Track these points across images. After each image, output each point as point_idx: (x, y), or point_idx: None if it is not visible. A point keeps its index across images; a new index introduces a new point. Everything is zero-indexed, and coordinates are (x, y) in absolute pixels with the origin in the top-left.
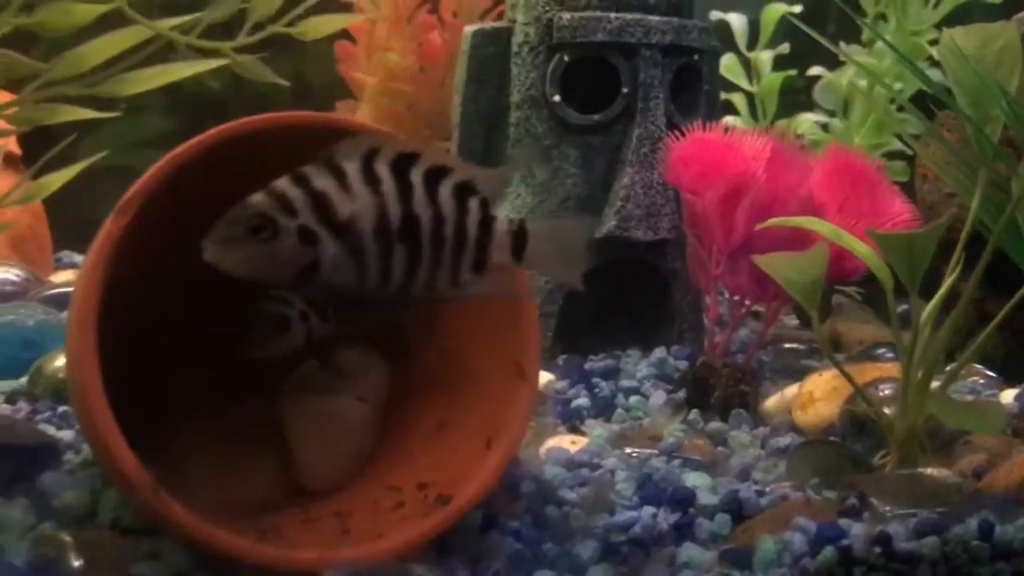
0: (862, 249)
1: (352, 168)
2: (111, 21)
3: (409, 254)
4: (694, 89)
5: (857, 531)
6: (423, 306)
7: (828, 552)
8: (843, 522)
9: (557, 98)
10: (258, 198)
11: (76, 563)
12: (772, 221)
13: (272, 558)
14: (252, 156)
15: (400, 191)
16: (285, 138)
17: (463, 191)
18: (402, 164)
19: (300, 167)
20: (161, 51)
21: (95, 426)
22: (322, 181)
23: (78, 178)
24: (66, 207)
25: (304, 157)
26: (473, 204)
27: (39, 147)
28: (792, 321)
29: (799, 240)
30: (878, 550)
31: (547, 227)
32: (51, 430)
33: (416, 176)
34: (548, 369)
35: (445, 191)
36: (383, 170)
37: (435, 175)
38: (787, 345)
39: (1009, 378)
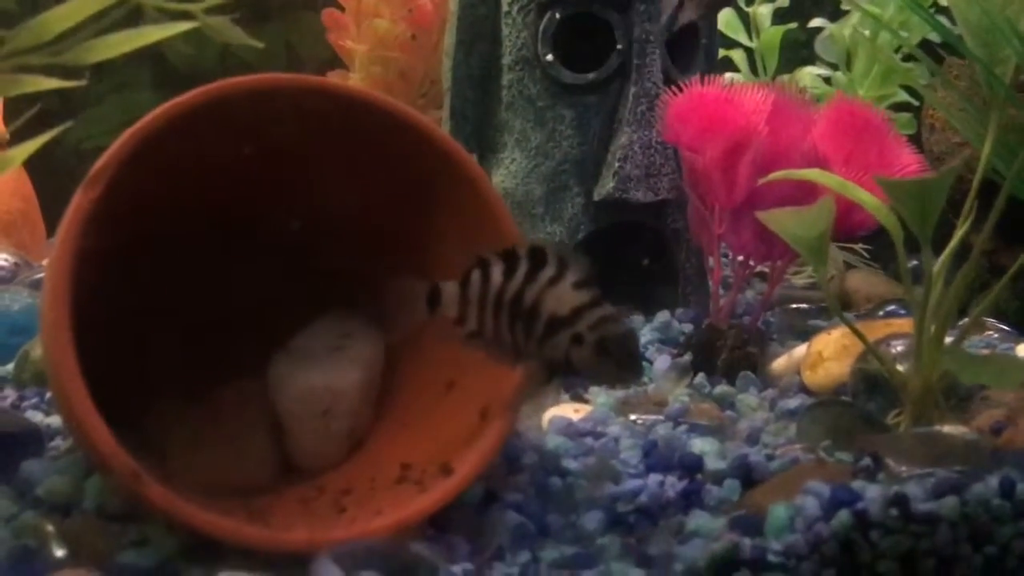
0: (870, 201)
1: None
2: None
3: None
4: (691, 44)
5: (872, 493)
6: None
7: (843, 516)
8: (857, 484)
9: (550, 57)
10: None
11: (59, 552)
12: (776, 175)
13: (260, 540)
14: (223, 121)
15: None
16: (255, 101)
17: None
18: None
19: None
20: (128, 17)
21: (71, 407)
22: None
23: (71, 160)
24: (59, 191)
25: (274, 119)
26: None
27: (28, 129)
28: (799, 280)
29: (804, 195)
30: (895, 512)
31: None
32: (38, 416)
33: None
34: None
35: None
36: None
37: None
38: (794, 305)
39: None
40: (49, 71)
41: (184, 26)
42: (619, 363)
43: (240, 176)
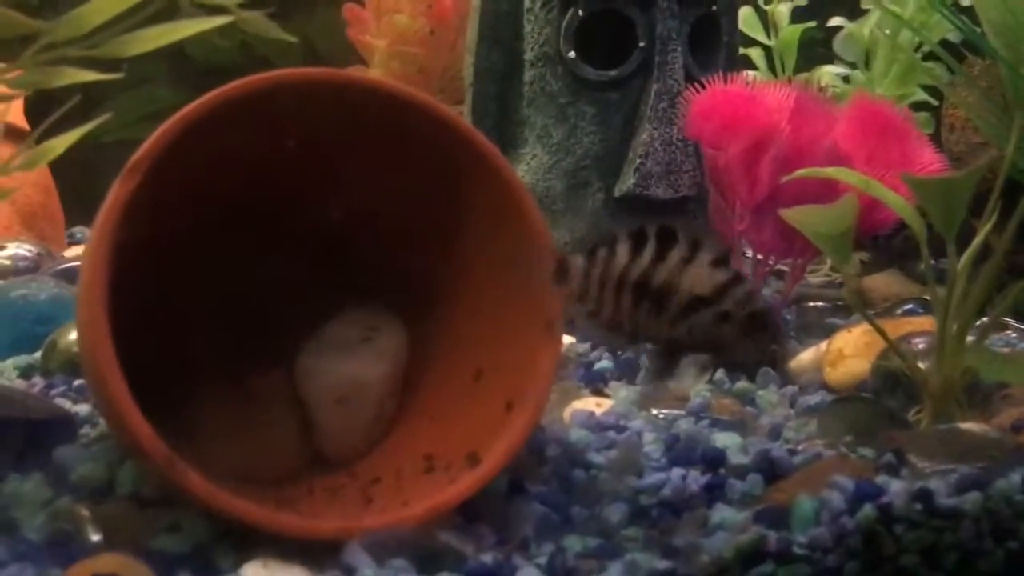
0: (894, 198)
1: None
2: None
3: None
4: (713, 41)
5: (896, 488)
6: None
7: (867, 510)
8: (881, 479)
9: (572, 54)
10: None
11: (95, 537)
12: (799, 172)
13: (292, 527)
14: (262, 114)
15: None
16: (293, 95)
17: None
18: None
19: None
20: (164, 11)
21: (108, 394)
22: None
23: (89, 153)
24: (77, 183)
25: (313, 113)
26: None
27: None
28: (815, 279)
29: (826, 193)
30: (919, 507)
31: None
32: (66, 404)
33: None
34: (569, 332)
35: None
36: None
37: None
38: (811, 303)
39: None
40: (84, 64)
41: (220, 21)
42: (770, 337)
43: (276, 168)
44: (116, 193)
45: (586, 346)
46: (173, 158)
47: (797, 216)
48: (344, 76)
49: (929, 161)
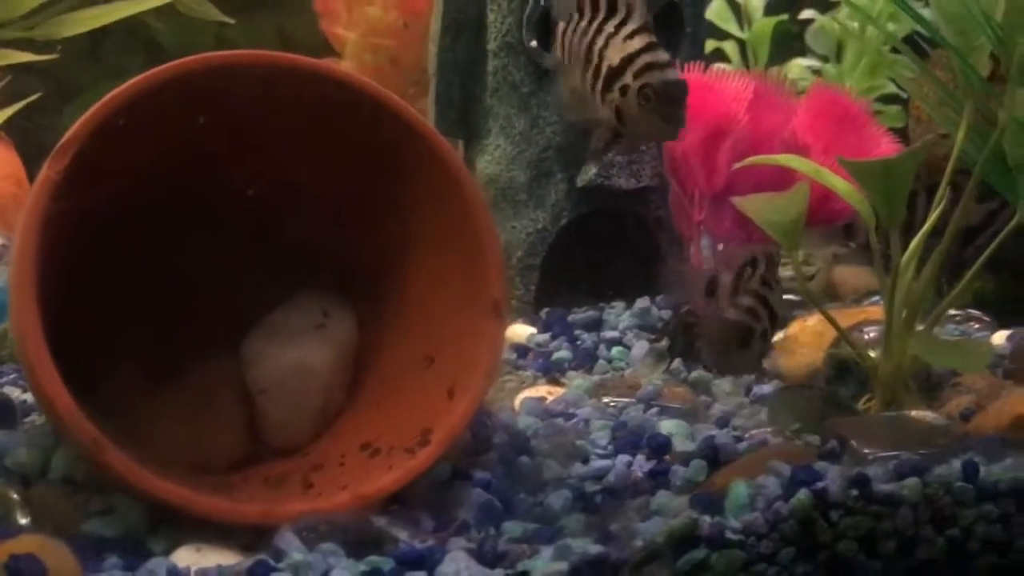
0: (841, 185)
1: None
2: None
3: None
4: (675, 32)
5: (833, 474)
6: None
7: (802, 495)
8: (820, 465)
9: (534, 44)
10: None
11: (23, 520)
12: (750, 160)
13: (216, 510)
14: (189, 96)
15: None
16: (218, 77)
17: None
18: None
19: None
20: None
21: (34, 373)
22: None
23: None
24: None
25: (240, 94)
26: None
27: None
28: (785, 272)
29: (784, 183)
30: (855, 492)
31: None
32: (15, 392)
33: None
34: (530, 322)
35: None
36: None
37: None
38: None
39: (1004, 320)
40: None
41: (157, 1)
42: (666, 114)
43: (214, 150)
44: (44, 175)
45: (545, 336)
46: (105, 139)
47: (749, 204)
48: (268, 57)
49: (887, 151)
